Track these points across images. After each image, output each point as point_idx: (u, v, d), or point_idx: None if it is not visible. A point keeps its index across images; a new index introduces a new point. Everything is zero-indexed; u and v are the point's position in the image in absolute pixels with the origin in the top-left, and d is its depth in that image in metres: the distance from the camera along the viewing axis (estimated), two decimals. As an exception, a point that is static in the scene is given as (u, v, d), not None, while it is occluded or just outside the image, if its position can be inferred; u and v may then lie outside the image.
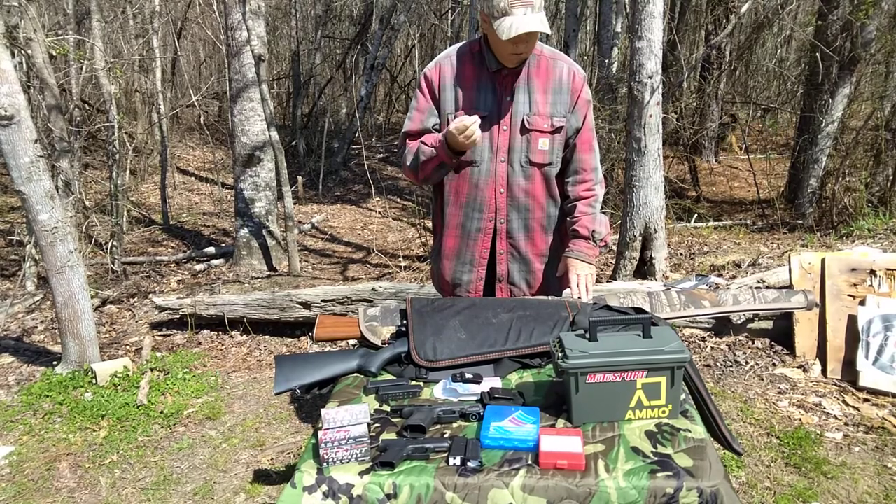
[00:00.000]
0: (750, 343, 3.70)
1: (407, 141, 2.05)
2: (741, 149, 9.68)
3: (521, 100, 1.96)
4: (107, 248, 5.57)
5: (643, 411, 1.41)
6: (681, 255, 5.38)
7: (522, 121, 1.96)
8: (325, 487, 1.25)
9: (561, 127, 1.99)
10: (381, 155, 11.04)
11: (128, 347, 4.05)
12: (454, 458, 1.26)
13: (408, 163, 2.02)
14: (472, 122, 1.80)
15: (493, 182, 2.00)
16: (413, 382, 1.62)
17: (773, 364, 3.50)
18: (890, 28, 6.40)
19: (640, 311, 1.72)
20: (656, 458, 1.27)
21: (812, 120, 6.73)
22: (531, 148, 1.97)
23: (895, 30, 6.41)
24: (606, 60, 7.93)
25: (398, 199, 8.85)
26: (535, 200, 2.03)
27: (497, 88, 1.96)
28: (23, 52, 4.80)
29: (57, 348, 3.84)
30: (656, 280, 4.56)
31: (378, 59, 9.92)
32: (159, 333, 4.25)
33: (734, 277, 4.36)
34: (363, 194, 9.21)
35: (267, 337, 4.15)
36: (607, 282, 4.68)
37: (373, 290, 3.98)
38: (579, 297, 1.96)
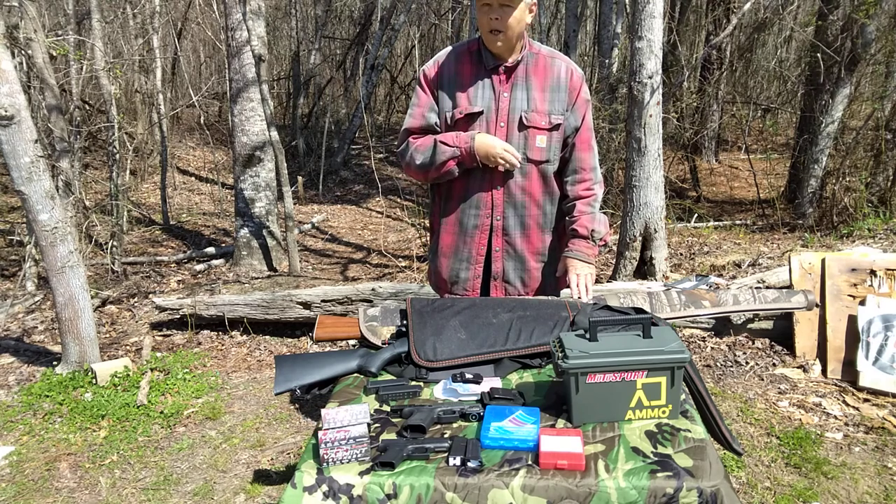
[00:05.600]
0: (750, 343, 3.70)
1: (410, 138, 2.05)
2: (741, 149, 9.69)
3: (518, 97, 1.97)
4: (107, 248, 5.57)
5: (643, 411, 1.41)
6: (681, 255, 5.38)
7: (520, 117, 1.96)
8: (325, 487, 1.25)
9: (559, 124, 1.99)
10: (381, 155, 11.04)
11: (128, 347, 4.05)
12: (454, 458, 1.26)
13: (417, 161, 2.00)
14: (516, 162, 1.93)
15: (489, 178, 2.00)
16: (413, 382, 1.62)
17: (773, 364, 3.50)
18: (890, 28, 6.40)
19: (640, 311, 1.72)
20: (656, 459, 1.27)
21: (812, 120, 6.73)
22: (528, 145, 1.98)
23: (895, 30, 6.41)
24: (606, 60, 7.93)
25: (398, 199, 8.85)
26: (532, 198, 2.03)
27: (494, 85, 1.97)
28: (23, 52, 4.80)
29: (57, 348, 3.84)
30: (656, 280, 4.56)
31: (378, 59, 9.93)
32: (159, 333, 4.25)
33: (734, 277, 4.36)
34: (363, 194, 9.21)
35: (267, 337, 4.15)
36: (607, 282, 4.68)
37: (373, 290, 3.98)
38: (579, 297, 1.96)
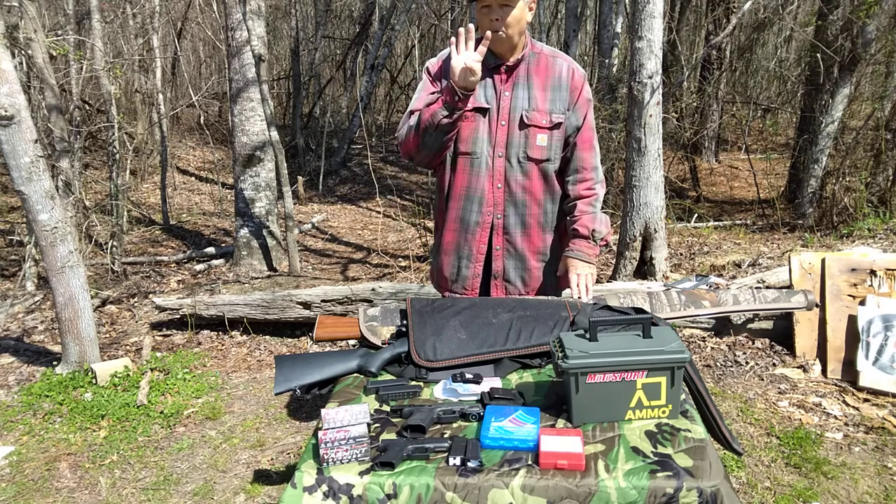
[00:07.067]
0: (750, 343, 3.70)
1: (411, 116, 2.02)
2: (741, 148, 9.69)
3: (520, 95, 1.97)
4: (107, 248, 5.57)
5: (643, 411, 1.41)
6: (681, 255, 5.39)
7: (521, 116, 1.96)
8: (325, 487, 1.25)
9: (559, 123, 1.99)
10: (381, 155, 11.04)
11: (128, 347, 4.05)
12: (454, 458, 1.26)
13: (411, 122, 1.95)
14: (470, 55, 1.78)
15: (490, 176, 2.01)
16: (413, 382, 1.62)
17: (773, 364, 3.50)
18: (890, 28, 6.40)
19: (640, 311, 1.72)
20: (656, 458, 1.27)
21: (812, 120, 6.73)
22: (529, 143, 1.98)
23: (895, 30, 6.41)
24: (606, 60, 7.93)
25: (398, 200, 8.85)
26: (532, 196, 2.03)
27: (496, 84, 1.97)
28: (23, 52, 4.80)
29: (57, 348, 3.84)
30: (656, 280, 4.56)
31: (378, 59, 9.93)
32: (159, 333, 4.25)
33: (734, 277, 4.36)
34: (363, 194, 9.21)
35: (267, 337, 4.15)
36: (607, 282, 4.68)
37: (373, 290, 3.98)
38: (579, 297, 1.96)
